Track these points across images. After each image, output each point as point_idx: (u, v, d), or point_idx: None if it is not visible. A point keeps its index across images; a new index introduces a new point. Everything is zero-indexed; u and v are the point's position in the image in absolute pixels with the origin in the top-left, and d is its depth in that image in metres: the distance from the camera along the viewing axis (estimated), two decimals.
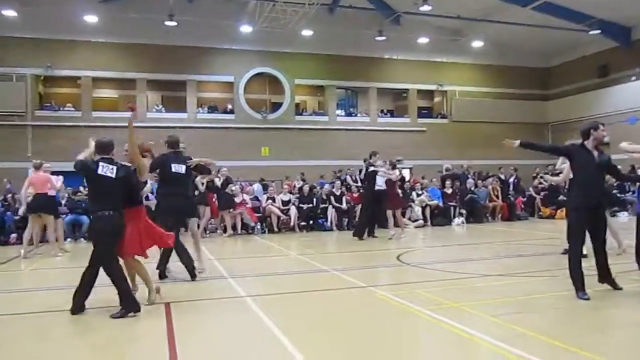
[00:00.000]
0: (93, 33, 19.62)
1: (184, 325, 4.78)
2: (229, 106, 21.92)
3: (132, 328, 4.86)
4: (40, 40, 19.30)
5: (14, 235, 12.35)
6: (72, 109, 20.22)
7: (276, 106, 22.68)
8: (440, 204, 15.85)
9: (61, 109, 20.18)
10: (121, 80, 21.32)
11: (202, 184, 12.69)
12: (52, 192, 10.09)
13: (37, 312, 5.46)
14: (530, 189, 18.31)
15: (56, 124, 19.45)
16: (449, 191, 16.11)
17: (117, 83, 21.95)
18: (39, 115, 19.57)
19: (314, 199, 14.88)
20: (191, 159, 7.33)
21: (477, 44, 22.89)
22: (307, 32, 20.60)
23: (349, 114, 23.91)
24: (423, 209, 15.58)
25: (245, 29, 20.39)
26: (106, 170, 5.31)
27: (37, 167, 10.08)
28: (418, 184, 16.66)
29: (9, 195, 13.33)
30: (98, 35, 19.76)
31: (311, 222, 14.64)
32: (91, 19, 19.14)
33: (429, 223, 15.39)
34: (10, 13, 18.23)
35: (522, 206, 17.68)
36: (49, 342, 4.50)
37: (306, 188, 15.15)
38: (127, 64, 20.35)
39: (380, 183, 11.86)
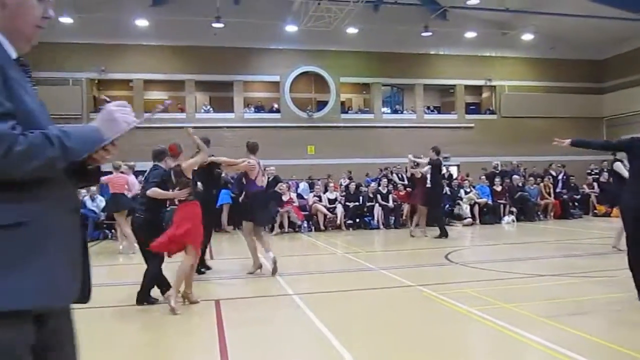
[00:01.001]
0: (144, 37, 20.23)
1: (233, 322, 4.89)
2: (275, 105, 22.15)
3: (184, 323, 5.01)
4: (94, 45, 20.05)
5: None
6: None
7: (321, 104, 22.75)
8: (490, 202, 15.53)
9: None
10: (171, 82, 21.89)
11: None
12: (128, 193, 10.51)
13: (100, 307, 5.69)
14: (585, 186, 17.70)
15: None
16: (499, 189, 15.77)
17: (167, 85, 22.56)
18: (94, 118, 20.19)
19: (360, 197, 14.86)
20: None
21: (527, 36, 22.27)
22: (352, 30, 20.58)
23: (394, 111, 23.74)
24: (471, 207, 15.32)
25: (291, 28, 20.53)
26: None
27: (117, 168, 10.52)
28: (466, 182, 16.39)
29: None
30: (148, 39, 20.36)
31: (357, 220, 14.63)
32: (142, 23, 19.74)
33: (477, 221, 15.11)
34: (67, 20, 19.01)
35: (576, 204, 17.10)
36: (102, 336, 4.68)
37: (352, 186, 15.16)
38: (176, 66, 20.88)
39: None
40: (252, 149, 7.68)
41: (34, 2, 1.56)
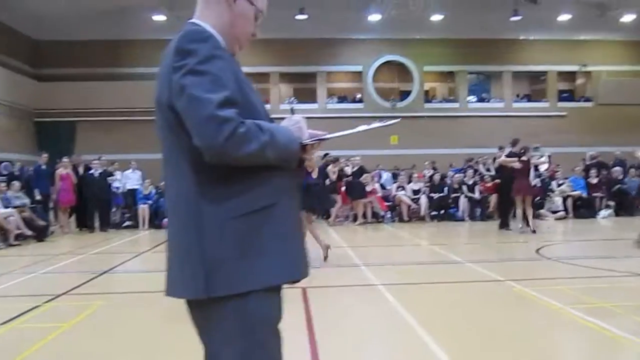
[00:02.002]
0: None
1: (321, 310, 4.98)
2: (358, 95, 22.13)
3: None
4: None
5: (165, 220, 13.61)
6: None
7: (405, 94, 22.45)
8: (584, 195, 14.70)
9: None
10: (255, 74, 22.39)
11: (334, 172, 13.01)
12: None
13: None
14: None
15: None
16: (594, 181, 14.87)
17: (253, 77, 22.82)
18: None
19: (445, 188, 14.57)
20: None
21: (628, 17, 20.66)
22: (436, 17, 20.07)
23: (481, 100, 22.98)
24: (564, 199, 14.57)
25: (374, 17, 20.35)
26: None
27: None
28: (558, 173, 15.59)
29: (163, 183, 14.72)
30: None
31: (442, 211, 14.36)
32: None
33: (570, 215, 14.36)
34: (160, 18, 19.97)
35: None
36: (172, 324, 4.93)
37: (437, 177, 14.88)
38: (261, 59, 21.33)
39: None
40: None
41: (252, 18, 1.73)
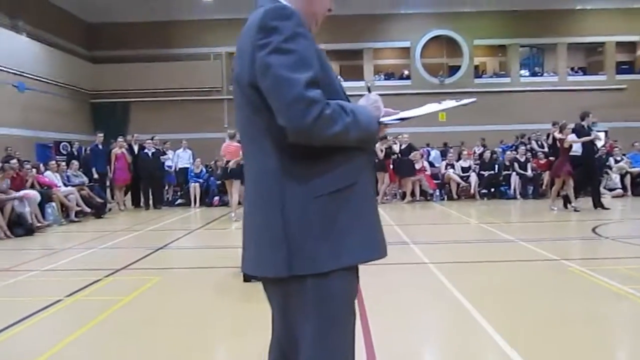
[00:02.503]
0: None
1: (371, 288, 4.98)
2: (406, 72, 21.79)
3: None
4: (232, 20, 21.02)
5: (216, 198, 13.92)
6: None
7: (453, 69, 21.97)
8: None
9: None
10: None
11: (381, 150, 12.93)
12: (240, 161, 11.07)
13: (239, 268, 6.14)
14: None
15: None
16: None
17: None
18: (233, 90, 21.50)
19: (496, 166, 14.25)
20: None
21: None
22: None
23: (533, 74, 22.26)
24: (622, 176, 14.00)
25: None
26: None
27: (232, 137, 11.11)
28: (616, 149, 14.96)
29: (213, 162, 14.96)
30: None
31: (492, 189, 14.08)
32: None
33: (629, 193, 13.81)
34: None
35: None
36: (225, 298, 5.04)
37: (487, 154, 14.56)
38: (313, 36, 21.25)
39: (575, 148, 10.71)
40: None
41: None
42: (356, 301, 4.47)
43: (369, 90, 1.72)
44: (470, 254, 6.81)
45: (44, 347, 3.61)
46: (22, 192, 9.58)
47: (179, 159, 14.83)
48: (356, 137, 1.51)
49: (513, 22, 21.15)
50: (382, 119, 1.64)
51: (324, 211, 1.52)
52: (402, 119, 1.68)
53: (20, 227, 9.19)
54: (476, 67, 22.38)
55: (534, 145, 14.96)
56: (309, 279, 1.52)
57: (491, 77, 22.19)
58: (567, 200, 10.76)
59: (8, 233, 8.93)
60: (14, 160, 10.30)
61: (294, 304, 1.57)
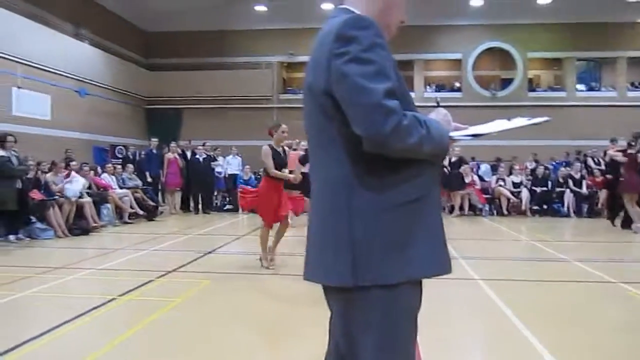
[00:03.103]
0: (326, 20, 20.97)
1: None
2: (457, 84, 21.54)
3: None
4: (284, 30, 21.36)
5: None
6: None
7: (506, 82, 21.55)
8: None
9: (301, 92, 22.11)
10: None
11: None
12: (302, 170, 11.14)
13: (285, 275, 6.19)
14: None
15: (297, 106, 21.41)
16: None
17: None
18: (283, 99, 21.81)
19: (549, 182, 13.85)
20: None
21: None
22: (543, 0, 19.02)
23: (590, 89, 21.53)
24: None
25: (476, 2, 19.65)
26: None
27: (289, 147, 11.27)
28: None
29: (262, 170, 15.17)
30: None
31: (545, 206, 13.67)
32: (327, 6, 20.45)
33: None
34: (261, 8, 20.55)
35: None
36: (274, 302, 5.07)
37: (540, 169, 14.17)
38: None
39: None
40: None
41: (403, 4, 1.76)
42: None
43: (438, 104, 1.71)
44: (521, 272, 6.63)
45: (97, 345, 3.74)
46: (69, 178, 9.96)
47: (228, 165, 15.10)
48: (429, 151, 1.50)
49: (569, 35, 20.58)
50: (452, 134, 1.62)
51: (393, 222, 1.51)
52: (473, 136, 1.65)
53: (77, 227, 9.57)
54: (530, 80, 21.86)
55: (590, 162, 14.46)
56: (374, 290, 1.50)
57: (546, 90, 21.62)
58: (628, 220, 10.30)
59: (66, 232, 9.30)
60: (74, 162, 10.75)
61: (356, 314, 1.55)
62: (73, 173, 10.13)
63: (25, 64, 14.30)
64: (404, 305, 1.55)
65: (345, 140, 1.52)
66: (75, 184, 9.91)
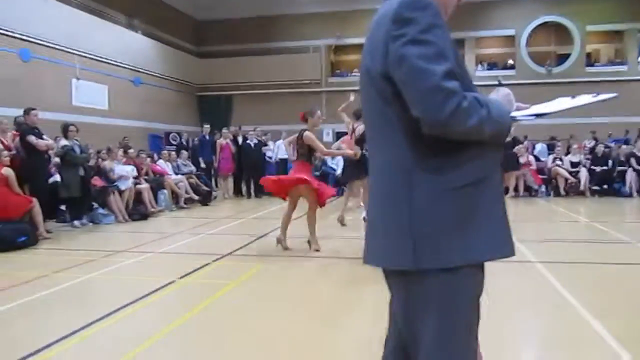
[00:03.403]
0: (377, 0, 20.69)
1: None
2: (510, 61, 20.87)
3: None
4: (331, 13, 21.23)
5: None
6: (358, 74, 21.86)
7: (562, 58, 20.71)
8: None
9: (349, 74, 22.02)
10: None
11: None
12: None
13: (337, 257, 6.24)
14: None
15: (345, 89, 21.31)
16: None
17: None
18: (331, 82, 21.75)
19: (609, 161, 13.29)
20: None
21: None
22: None
23: None
24: None
25: None
26: None
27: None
28: None
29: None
30: (381, 2, 20.75)
31: (605, 186, 13.15)
32: None
33: None
34: None
35: None
36: (329, 285, 5.10)
37: (600, 148, 13.61)
38: None
39: None
40: (359, 115, 7.85)
41: None
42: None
43: (500, 84, 1.67)
44: (582, 254, 6.43)
45: (158, 327, 3.89)
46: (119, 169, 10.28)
47: (278, 150, 15.25)
48: (490, 132, 1.47)
49: (630, 5, 19.52)
50: (513, 114, 1.57)
51: (454, 205, 1.49)
52: (535, 116, 1.59)
53: (136, 212, 9.93)
54: (588, 54, 20.93)
55: None
56: (435, 273, 1.49)
57: (605, 65, 20.65)
58: None
59: (126, 217, 9.68)
60: (132, 150, 11.13)
61: (417, 298, 1.55)
62: (117, 165, 10.33)
63: (83, 56, 14.85)
64: (466, 290, 1.53)
65: (403, 123, 1.51)
66: (123, 174, 10.16)
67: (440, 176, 1.50)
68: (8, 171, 7.44)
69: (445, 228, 1.48)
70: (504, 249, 1.56)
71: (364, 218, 8.34)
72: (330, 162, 14.32)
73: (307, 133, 6.58)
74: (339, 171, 14.16)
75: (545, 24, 20.50)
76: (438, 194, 1.49)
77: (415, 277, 1.52)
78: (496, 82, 1.78)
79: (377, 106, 1.59)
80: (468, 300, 1.54)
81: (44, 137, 8.56)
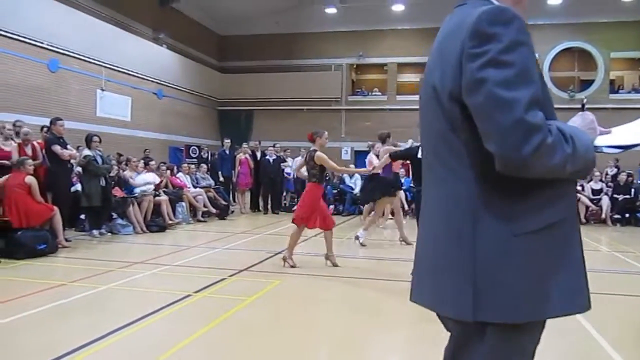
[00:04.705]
0: (399, 21, 20.84)
1: None
2: None
3: None
4: (354, 32, 21.40)
5: (331, 207, 14.16)
6: (379, 93, 21.98)
7: (585, 84, 20.55)
8: None
9: (369, 93, 22.11)
10: (423, 64, 21.76)
11: None
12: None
13: (353, 277, 6.20)
14: None
15: (365, 108, 21.43)
16: None
17: (419, 67, 22.83)
18: (351, 100, 21.85)
19: (632, 189, 13.08)
20: None
21: None
22: None
23: None
24: None
25: (554, 0, 18.88)
26: None
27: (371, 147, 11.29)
28: None
29: (330, 172, 15.30)
30: (403, 23, 20.90)
31: (627, 215, 12.92)
32: (398, 8, 20.33)
33: None
34: (331, 10, 20.70)
35: None
36: (344, 307, 5.06)
37: (623, 176, 13.41)
38: (429, 49, 20.61)
39: None
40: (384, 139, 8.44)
41: None
42: None
43: (583, 107, 1.53)
44: (602, 285, 6.29)
45: (175, 340, 3.88)
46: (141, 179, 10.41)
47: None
48: (572, 170, 1.27)
49: None
50: (596, 142, 1.38)
51: (525, 252, 1.30)
52: (622, 148, 1.41)
53: (154, 223, 10.00)
54: (612, 81, 20.75)
55: None
56: (494, 326, 1.33)
57: (629, 92, 20.44)
58: None
59: (144, 228, 9.75)
60: (153, 162, 11.25)
61: (473, 348, 1.40)
62: (142, 170, 10.55)
63: (109, 68, 15.12)
64: (525, 346, 1.39)
65: (472, 154, 1.32)
66: (141, 180, 10.32)
67: (510, 218, 1.31)
68: (31, 179, 7.56)
69: (513, 278, 1.30)
70: (579, 301, 1.40)
71: (356, 237, 8.42)
72: (348, 181, 14.31)
73: (318, 153, 6.67)
74: (356, 190, 14.15)
75: (569, 49, 20.42)
76: (506, 239, 1.30)
77: (472, 327, 1.36)
78: (581, 106, 1.55)
79: (441, 130, 1.39)
80: (527, 356, 1.41)
81: (68, 146, 8.71)
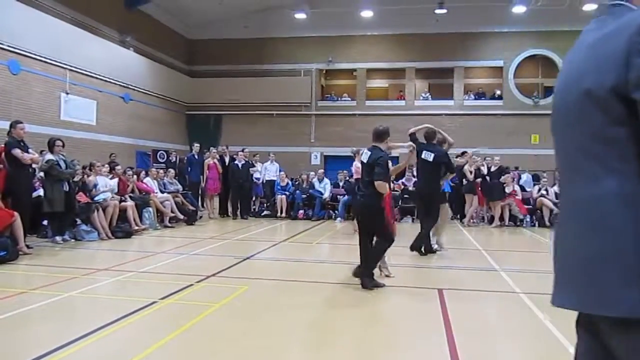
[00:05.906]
0: (368, 27, 21.04)
1: (458, 312, 4.86)
2: (497, 92, 21.20)
3: (406, 307, 5.15)
4: (323, 37, 21.50)
5: (301, 212, 14.16)
6: (348, 98, 22.11)
7: (549, 90, 21.07)
8: None
9: (339, 99, 22.21)
10: (392, 70, 22.42)
11: (470, 172, 12.61)
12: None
13: (322, 282, 6.19)
14: None
15: (335, 113, 21.52)
16: None
17: (388, 73, 23.15)
18: (321, 105, 21.91)
19: None
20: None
21: None
22: (590, 7, 18.54)
23: None
24: None
25: (518, 9, 19.34)
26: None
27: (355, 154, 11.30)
28: None
29: (300, 177, 15.28)
30: (372, 29, 21.10)
31: None
32: (367, 14, 20.52)
33: None
34: (301, 16, 20.74)
35: None
36: (311, 310, 5.06)
37: None
38: (398, 54, 21.27)
39: None
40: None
41: None
42: (443, 325, 4.35)
43: None
44: None
45: (140, 347, 3.80)
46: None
47: (266, 171, 15.23)
48: None
49: None
50: None
51: None
52: None
53: (120, 229, 9.81)
54: None
55: None
56: None
57: None
58: None
59: (110, 234, 9.55)
60: (119, 167, 11.04)
61: (632, 348, 1.33)
62: (99, 177, 10.28)
63: (74, 70, 14.81)
64: None
65: (632, 150, 1.30)
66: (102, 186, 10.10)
67: None
68: None
69: None
70: None
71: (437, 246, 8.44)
72: (317, 185, 14.31)
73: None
74: (326, 194, 14.18)
75: (533, 56, 20.93)
76: None
77: (634, 326, 1.29)
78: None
79: (594, 128, 1.38)
80: None
81: (30, 150, 8.47)
